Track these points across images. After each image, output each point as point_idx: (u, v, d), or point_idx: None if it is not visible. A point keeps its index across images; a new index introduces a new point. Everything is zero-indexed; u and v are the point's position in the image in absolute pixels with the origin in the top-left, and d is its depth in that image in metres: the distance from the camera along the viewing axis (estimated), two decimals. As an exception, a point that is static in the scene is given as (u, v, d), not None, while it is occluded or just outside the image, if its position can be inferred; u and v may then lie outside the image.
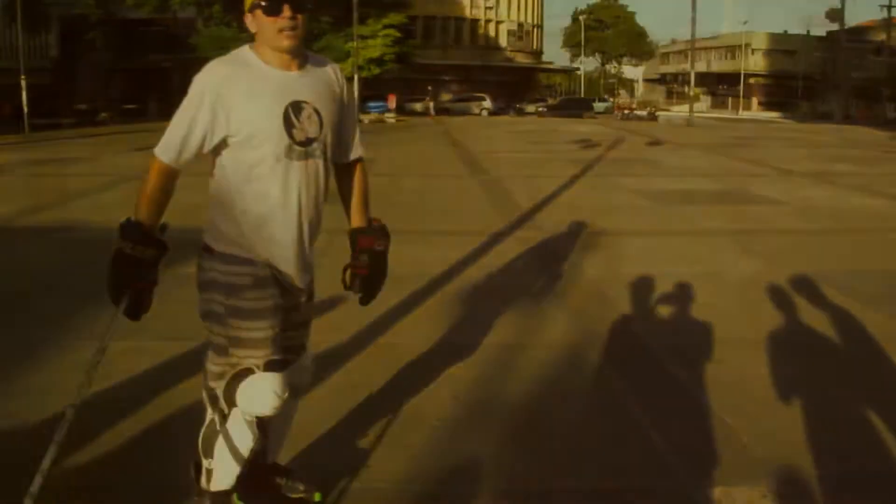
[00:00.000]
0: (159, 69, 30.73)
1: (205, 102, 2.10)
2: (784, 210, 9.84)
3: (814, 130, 30.44)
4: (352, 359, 3.78)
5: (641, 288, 5.22)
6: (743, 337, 4.14)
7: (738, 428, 3.01)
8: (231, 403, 2.17)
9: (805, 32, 69.15)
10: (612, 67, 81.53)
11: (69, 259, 6.25)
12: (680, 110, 53.83)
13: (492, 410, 3.20)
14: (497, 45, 59.81)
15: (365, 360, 3.77)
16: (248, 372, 2.14)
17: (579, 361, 3.77)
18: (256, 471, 2.35)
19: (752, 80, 68.30)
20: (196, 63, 2.24)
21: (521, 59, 60.84)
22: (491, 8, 59.35)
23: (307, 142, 2.18)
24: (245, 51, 2.19)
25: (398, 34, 38.84)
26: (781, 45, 68.84)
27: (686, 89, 51.34)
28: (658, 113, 47.09)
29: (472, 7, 58.49)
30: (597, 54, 77.52)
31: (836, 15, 51.24)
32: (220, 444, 2.20)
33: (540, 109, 47.23)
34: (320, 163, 2.23)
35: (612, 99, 59.87)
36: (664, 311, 4.68)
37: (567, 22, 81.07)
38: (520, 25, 61.38)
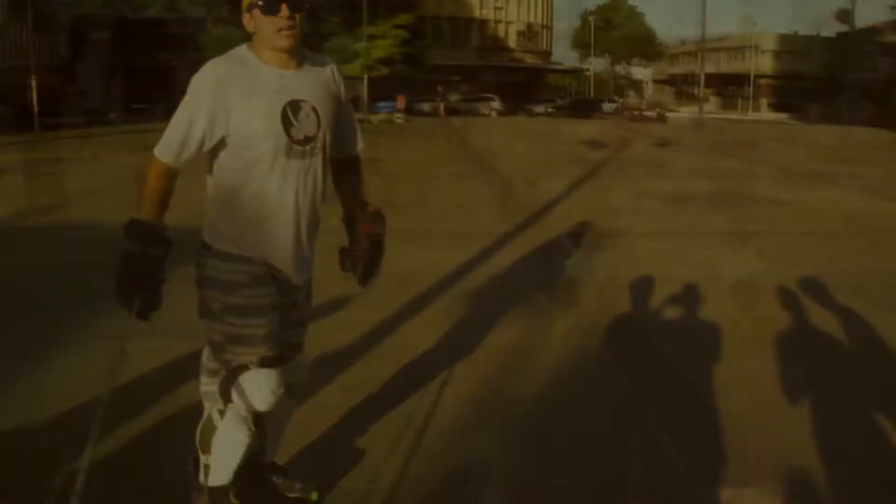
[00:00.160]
0: (168, 69, 30.82)
1: (203, 102, 2.11)
2: (792, 211, 9.83)
3: (822, 132, 30.35)
4: (354, 358, 3.78)
5: (648, 289, 5.21)
6: (750, 338, 4.12)
7: (747, 429, 3.00)
8: (227, 399, 2.18)
9: (815, 34, 68.93)
10: (621, 69, 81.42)
11: (74, 258, 6.27)
12: (689, 111, 53.78)
13: (495, 411, 3.20)
14: (506, 46, 59.78)
15: (367, 360, 3.77)
16: (244, 368, 2.15)
17: (585, 362, 3.77)
18: (254, 469, 2.35)
19: (761, 82, 68.10)
20: (204, 63, 2.25)
21: (531, 60, 60.80)
22: (500, 9, 59.33)
23: (305, 140, 2.18)
24: (243, 50, 2.20)
25: (407, 34, 38.86)
26: (791, 46, 68.60)
27: (696, 90, 51.34)
28: (667, 114, 47.00)
29: (481, 7, 58.49)
30: (606, 55, 77.41)
31: (844, 16, 51.12)
32: (216, 440, 2.21)
33: (549, 110, 47.18)
34: (318, 161, 2.23)
35: (620, 100, 59.76)
36: (671, 312, 4.66)
37: (576, 23, 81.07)
38: (529, 26, 61.36)
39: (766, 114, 60.50)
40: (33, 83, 24.72)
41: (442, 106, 45.21)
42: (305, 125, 2.17)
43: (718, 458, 2.79)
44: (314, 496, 2.47)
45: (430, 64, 44.36)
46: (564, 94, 67.35)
